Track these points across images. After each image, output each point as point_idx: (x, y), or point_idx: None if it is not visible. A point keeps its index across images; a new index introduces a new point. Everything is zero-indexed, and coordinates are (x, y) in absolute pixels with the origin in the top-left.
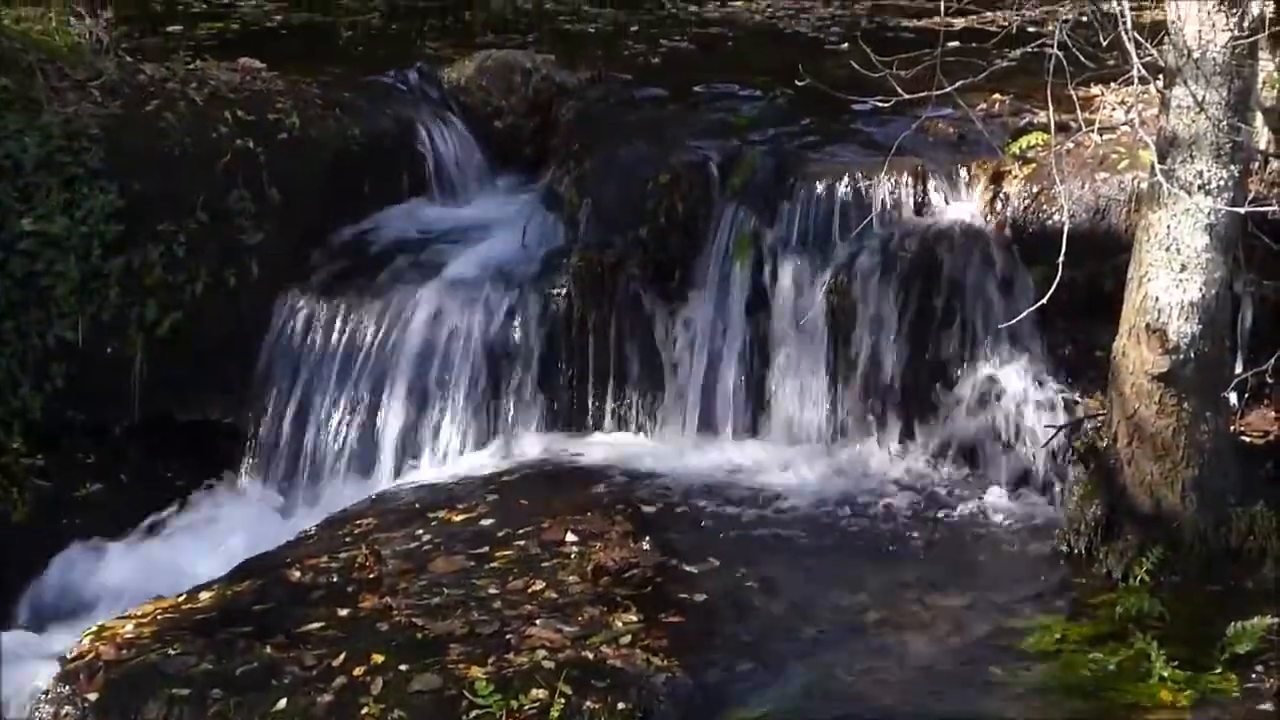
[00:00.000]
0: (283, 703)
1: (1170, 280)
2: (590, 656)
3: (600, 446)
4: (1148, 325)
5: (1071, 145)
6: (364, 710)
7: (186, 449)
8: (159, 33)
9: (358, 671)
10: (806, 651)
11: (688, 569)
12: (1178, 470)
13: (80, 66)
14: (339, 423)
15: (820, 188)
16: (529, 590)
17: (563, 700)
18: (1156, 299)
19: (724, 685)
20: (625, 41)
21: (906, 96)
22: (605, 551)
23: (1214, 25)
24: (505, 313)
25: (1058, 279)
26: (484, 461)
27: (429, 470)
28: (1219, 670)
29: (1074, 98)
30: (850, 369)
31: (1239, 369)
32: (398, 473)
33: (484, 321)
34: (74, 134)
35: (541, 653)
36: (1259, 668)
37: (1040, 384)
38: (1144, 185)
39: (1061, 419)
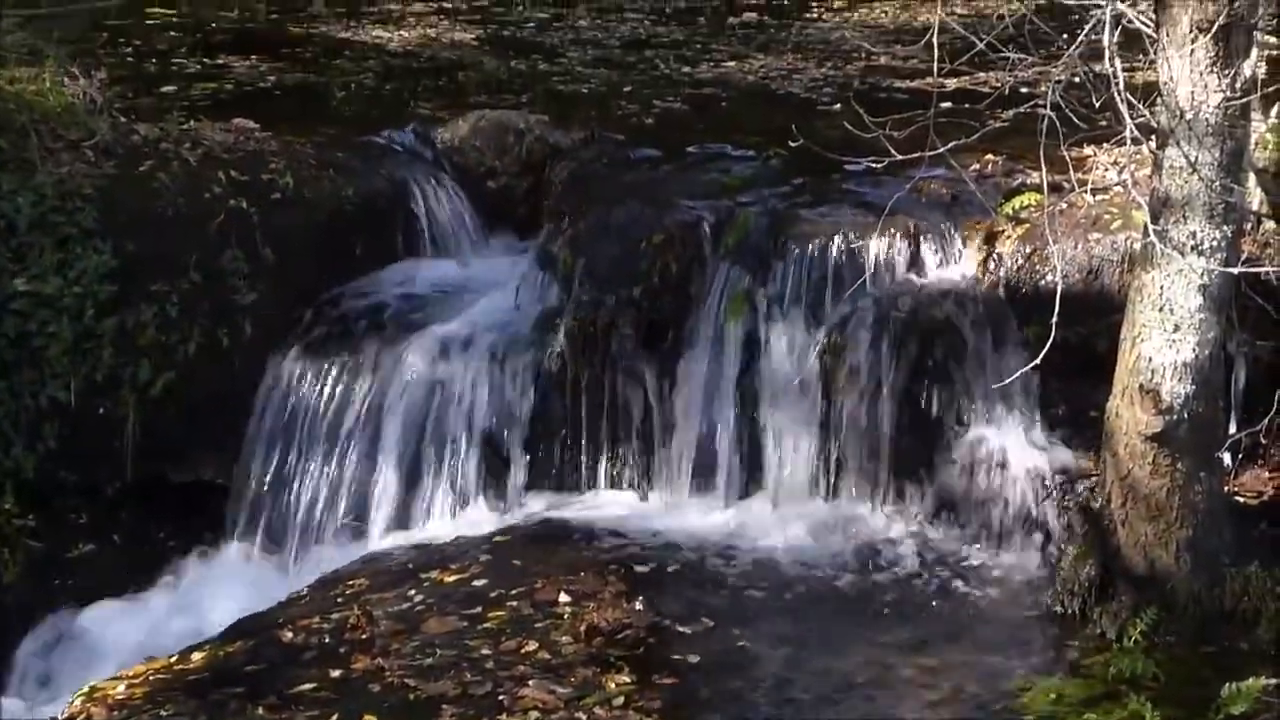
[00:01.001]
0: None
1: (1164, 341)
2: (583, 718)
3: (594, 506)
4: (1141, 386)
5: (1064, 206)
6: None
7: (179, 509)
8: (153, 93)
9: None
10: (800, 713)
11: (681, 630)
12: (1172, 531)
13: (74, 127)
14: (332, 482)
15: (813, 248)
16: (522, 651)
17: None
18: (1150, 359)
19: None
20: (619, 102)
21: (899, 157)
22: (598, 612)
23: (1206, 86)
24: (498, 372)
25: (1051, 339)
26: (477, 521)
27: (421, 530)
28: None
29: (1067, 158)
30: (844, 428)
31: (1233, 429)
32: (390, 533)
33: (477, 381)
34: (68, 194)
35: (534, 714)
36: None
37: (1034, 444)
38: (1137, 246)
39: (1055, 479)
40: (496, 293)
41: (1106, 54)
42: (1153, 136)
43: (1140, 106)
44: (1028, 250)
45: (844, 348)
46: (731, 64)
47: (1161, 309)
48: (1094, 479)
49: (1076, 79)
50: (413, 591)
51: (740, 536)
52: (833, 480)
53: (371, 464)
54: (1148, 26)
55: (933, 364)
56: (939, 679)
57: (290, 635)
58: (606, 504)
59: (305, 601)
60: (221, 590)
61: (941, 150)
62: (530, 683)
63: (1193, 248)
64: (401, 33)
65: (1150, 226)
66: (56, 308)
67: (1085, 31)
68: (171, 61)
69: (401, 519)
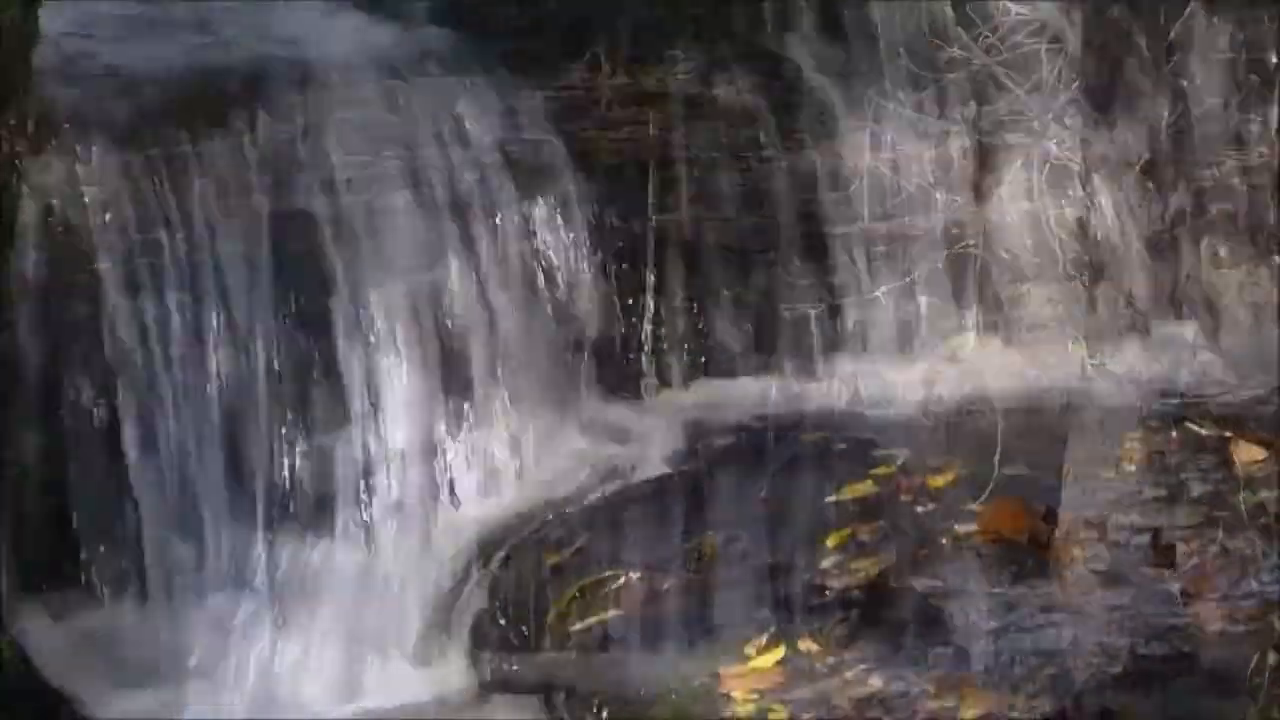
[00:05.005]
0: None
1: None
2: None
3: None
4: (1087, 521)
5: (1000, 345)
6: None
7: None
8: None
9: None
10: None
11: None
12: None
13: None
14: None
15: None
16: None
17: None
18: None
19: None
20: None
21: (835, 301)
22: None
23: (1136, 220)
24: None
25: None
26: None
27: None
28: None
29: (1000, 297)
30: None
31: None
32: None
33: None
34: None
35: None
36: None
37: None
38: (1074, 382)
39: None
40: None
41: (1035, 191)
42: (1085, 272)
43: (1071, 242)
44: (965, 390)
45: None
46: None
47: (1102, 444)
48: None
49: (1007, 218)
50: None
51: None
52: None
53: None
54: (1075, 163)
55: None
56: None
57: None
58: None
59: None
60: None
61: (876, 294)
62: None
63: (1131, 380)
64: None
65: (1087, 361)
66: None
67: (1014, 170)
68: None
69: None
